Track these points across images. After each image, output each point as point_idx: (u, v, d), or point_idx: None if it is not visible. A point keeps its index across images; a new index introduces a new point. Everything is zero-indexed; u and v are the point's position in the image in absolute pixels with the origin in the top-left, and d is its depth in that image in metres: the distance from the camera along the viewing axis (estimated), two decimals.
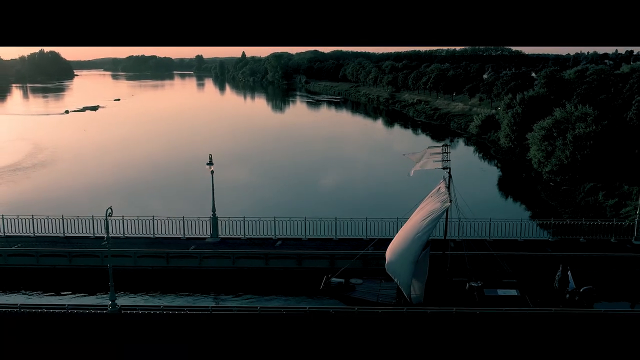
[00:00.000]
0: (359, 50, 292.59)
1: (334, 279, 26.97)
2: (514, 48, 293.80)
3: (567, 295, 24.77)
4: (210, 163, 31.28)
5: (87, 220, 32.70)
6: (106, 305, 23.30)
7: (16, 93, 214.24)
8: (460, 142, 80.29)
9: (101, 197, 48.05)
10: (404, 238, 25.69)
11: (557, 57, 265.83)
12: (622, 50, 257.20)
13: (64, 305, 24.03)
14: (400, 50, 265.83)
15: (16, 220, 33.06)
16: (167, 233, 32.47)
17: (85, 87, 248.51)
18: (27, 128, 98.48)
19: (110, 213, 23.34)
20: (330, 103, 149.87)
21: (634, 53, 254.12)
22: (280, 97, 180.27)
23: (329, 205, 42.62)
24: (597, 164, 45.58)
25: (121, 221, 31.84)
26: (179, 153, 73.25)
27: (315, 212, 34.62)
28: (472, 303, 24.54)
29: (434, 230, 25.93)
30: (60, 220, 32.74)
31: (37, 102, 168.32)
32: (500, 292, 25.69)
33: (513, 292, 25.65)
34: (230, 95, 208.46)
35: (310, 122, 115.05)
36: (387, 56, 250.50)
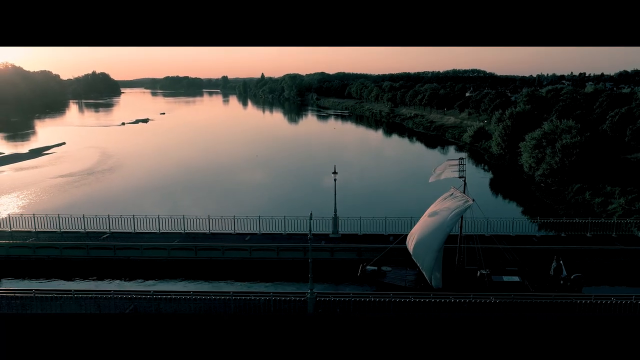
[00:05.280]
0: (359, 72, 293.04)
1: (368, 267, 27.01)
2: (488, 70, 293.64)
3: (562, 282, 25.20)
4: (335, 172, 31.81)
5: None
6: (305, 293, 23.13)
7: (74, 108, 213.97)
8: (457, 150, 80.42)
9: (197, 199, 47.70)
10: (428, 229, 25.29)
11: (523, 78, 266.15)
12: (576, 72, 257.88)
13: (269, 292, 23.62)
14: (393, 72, 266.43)
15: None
16: (296, 229, 31.74)
17: (131, 102, 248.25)
18: (92, 138, 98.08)
19: (311, 216, 23.25)
20: (339, 117, 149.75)
21: (586, 74, 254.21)
22: (296, 111, 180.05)
23: (356, 204, 43.07)
24: (582, 168, 45.86)
25: (257, 220, 31.89)
26: (235, 156, 73.56)
27: (347, 212, 34.08)
28: (483, 288, 24.76)
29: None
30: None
31: (94, 116, 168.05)
32: (505, 278, 25.88)
33: (515, 278, 25.87)
34: (254, 109, 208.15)
35: (323, 131, 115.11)
36: (382, 77, 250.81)
